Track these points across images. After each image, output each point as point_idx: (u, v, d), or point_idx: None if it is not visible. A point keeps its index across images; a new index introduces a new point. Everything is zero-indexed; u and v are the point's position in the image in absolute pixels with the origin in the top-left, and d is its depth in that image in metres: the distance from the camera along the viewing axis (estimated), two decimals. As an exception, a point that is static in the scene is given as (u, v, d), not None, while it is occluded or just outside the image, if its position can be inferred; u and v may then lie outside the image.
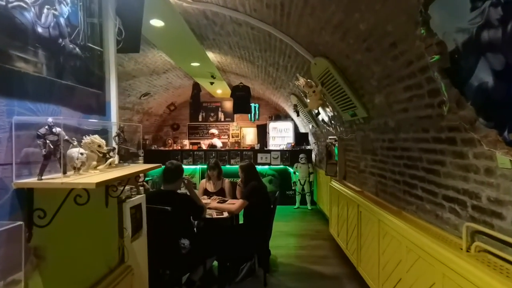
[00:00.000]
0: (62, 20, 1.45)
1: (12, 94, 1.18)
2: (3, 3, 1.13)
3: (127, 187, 2.06)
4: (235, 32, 3.88)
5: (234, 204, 3.57)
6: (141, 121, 8.33)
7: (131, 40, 2.23)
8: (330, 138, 5.34)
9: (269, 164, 7.42)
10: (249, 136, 10.09)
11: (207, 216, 3.34)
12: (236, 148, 8.93)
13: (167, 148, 8.59)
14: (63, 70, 1.46)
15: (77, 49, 1.57)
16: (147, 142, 8.68)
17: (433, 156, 2.14)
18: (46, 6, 1.35)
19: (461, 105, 1.64)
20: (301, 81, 4.08)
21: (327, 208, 5.67)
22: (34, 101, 1.29)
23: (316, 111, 4.80)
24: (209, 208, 3.52)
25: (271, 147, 8.63)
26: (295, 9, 2.65)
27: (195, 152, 7.62)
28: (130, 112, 7.52)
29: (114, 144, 1.86)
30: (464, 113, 1.63)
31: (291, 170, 7.32)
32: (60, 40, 1.44)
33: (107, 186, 1.78)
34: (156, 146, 8.76)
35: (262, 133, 9.45)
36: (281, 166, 7.44)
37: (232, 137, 10.07)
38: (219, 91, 8.48)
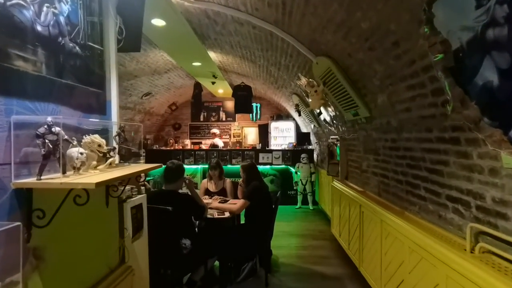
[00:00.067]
0: (62, 19, 1.44)
1: (11, 93, 1.17)
2: (2, 1, 1.12)
3: (128, 187, 2.05)
4: (236, 31, 3.87)
5: (236, 204, 3.55)
6: (143, 120, 8.33)
7: (132, 39, 2.22)
8: (332, 138, 5.32)
9: (271, 164, 7.40)
10: (251, 136, 10.07)
11: (209, 216, 3.32)
12: (237, 148, 8.92)
13: (168, 148, 8.59)
14: (62, 69, 1.45)
15: (77, 47, 1.56)
16: (148, 142, 8.69)
17: (437, 156, 2.11)
18: (46, 4, 1.34)
19: (465, 104, 1.62)
20: (303, 80, 4.06)
21: (328, 208, 5.65)
22: (33, 100, 1.28)
23: (318, 110, 4.78)
24: (211, 208, 3.51)
25: (272, 147, 8.61)
26: (297, 8, 2.64)
27: (196, 152, 7.61)
28: (132, 112, 7.53)
29: (114, 144, 1.85)
30: (468, 112, 1.61)
31: (292, 170, 7.30)
32: (60, 38, 1.43)
33: (108, 186, 1.77)
34: (157, 146, 8.77)
35: (264, 133, 9.44)
36: (283, 166, 7.42)
37: (234, 137, 10.06)
38: (220, 91, 8.47)
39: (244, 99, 6.95)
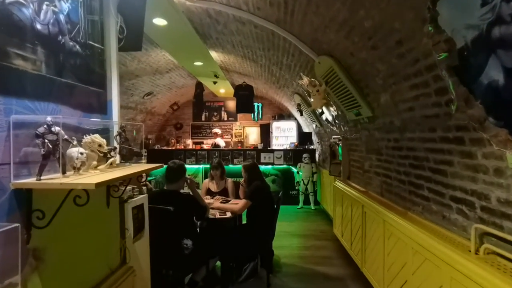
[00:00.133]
0: (61, 17, 1.43)
1: (10, 92, 1.16)
2: (1, -1, 1.11)
3: (129, 187, 2.03)
4: (238, 31, 3.85)
5: (237, 204, 3.54)
6: (144, 120, 8.33)
7: (133, 38, 2.20)
8: (334, 138, 5.29)
9: (272, 163, 7.39)
10: (252, 135, 10.05)
11: (210, 216, 3.31)
12: (239, 147, 8.90)
13: (170, 148, 8.59)
14: (63, 68, 1.43)
15: (77, 46, 1.55)
16: (150, 142, 8.68)
17: (440, 156, 2.09)
18: (45, 3, 1.33)
19: (469, 104, 1.60)
20: (305, 80, 4.04)
21: (330, 208, 5.63)
22: (33, 100, 1.26)
23: (320, 110, 4.76)
24: (212, 208, 3.50)
25: (274, 147, 8.60)
26: (299, 7, 2.62)
27: (198, 152, 7.60)
28: (133, 112, 7.53)
29: (115, 144, 1.83)
30: (472, 112, 1.59)
31: (294, 170, 7.28)
32: (60, 37, 1.42)
33: (109, 186, 1.76)
34: (159, 146, 8.77)
35: (265, 132, 9.42)
36: (284, 166, 7.40)
37: (235, 136, 10.05)
38: (222, 91, 8.46)
39: (245, 98, 6.93)
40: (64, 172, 1.28)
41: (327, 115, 4.81)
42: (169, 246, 2.80)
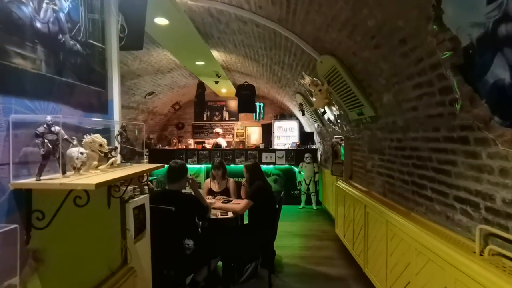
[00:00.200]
0: (62, 15, 1.41)
1: (9, 92, 1.14)
2: (0, -3, 1.10)
3: (130, 187, 2.02)
4: (240, 30, 3.84)
5: (239, 204, 3.52)
6: (146, 120, 8.33)
7: (134, 38, 2.19)
8: (336, 137, 5.28)
9: (274, 163, 7.37)
10: (254, 135, 10.04)
11: (212, 216, 3.30)
12: (241, 147, 8.90)
13: (172, 148, 8.59)
14: (63, 67, 1.42)
15: (77, 45, 1.53)
16: (152, 142, 8.69)
17: (444, 156, 2.07)
18: (45, 1, 1.31)
19: (474, 103, 1.57)
20: (307, 79, 4.02)
21: (332, 208, 5.61)
22: (33, 99, 1.25)
23: (322, 110, 4.74)
24: (214, 208, 3.48)
25: (276, 147, 8.59)
26: (301, 5, 2.60)
27: (199, 152, 7.59)
28: (135, 111, 7.53)
29: (116, 144, 1.82)
30: (477, 111, 1.57)
31: (296, 169, 7.25)
32: (60, 36, 1.41)
33: (109, 186, 1.75)
34: (161, 146, 8.77)
35: (267, 132, 9.41)
36: (286, 166, 7.38)
37: (237, 136, 10.04)
38: (223, 90, 8.45)
39: (247, 98, 6.92)
40: (64, 172, 1.27)
41: (329, 114, 4.79)
42: (170, 246, 2.79)
